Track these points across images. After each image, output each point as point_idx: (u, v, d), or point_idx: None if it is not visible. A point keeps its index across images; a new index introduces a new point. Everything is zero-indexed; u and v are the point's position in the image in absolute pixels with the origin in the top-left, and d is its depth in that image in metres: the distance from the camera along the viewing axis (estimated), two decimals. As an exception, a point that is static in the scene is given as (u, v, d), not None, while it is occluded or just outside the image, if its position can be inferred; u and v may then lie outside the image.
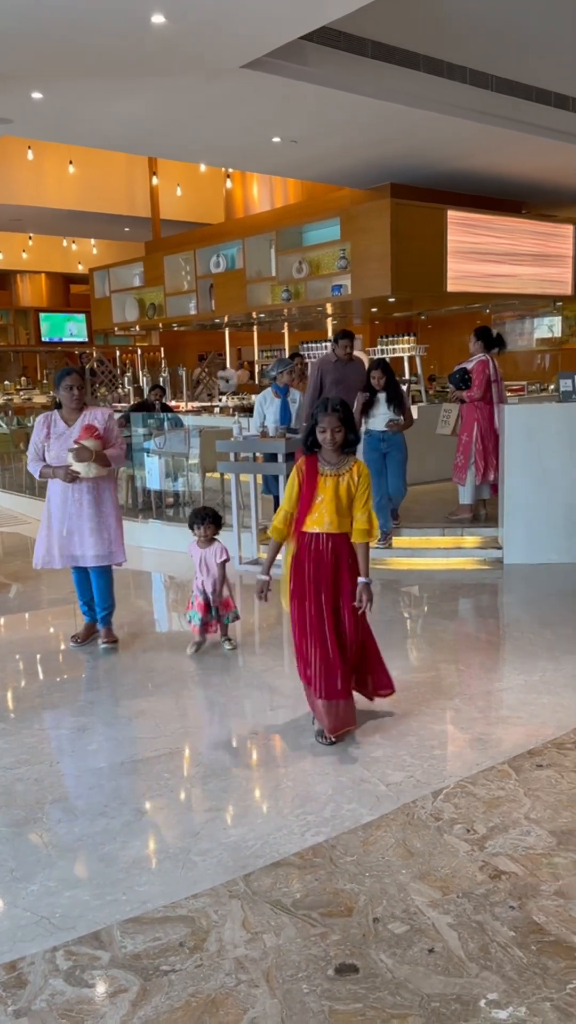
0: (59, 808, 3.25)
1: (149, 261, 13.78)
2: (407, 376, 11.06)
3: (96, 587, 5.11)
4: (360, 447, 5.95)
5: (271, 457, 6.91)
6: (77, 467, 4.76)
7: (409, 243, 9.72)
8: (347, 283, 10.40)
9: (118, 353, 20.20)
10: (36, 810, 3.23)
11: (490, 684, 4.47)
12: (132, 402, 12.21)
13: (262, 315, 12.67)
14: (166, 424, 8.73)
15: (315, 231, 10.99)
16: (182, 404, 12.66)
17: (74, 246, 19.87)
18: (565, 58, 8.25)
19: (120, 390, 14.36)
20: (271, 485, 7.43)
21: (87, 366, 14.48)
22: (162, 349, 19.66)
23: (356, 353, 7.81)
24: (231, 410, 11.71)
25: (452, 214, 10.14)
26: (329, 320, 13.59)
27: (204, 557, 5.02)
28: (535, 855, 2.83)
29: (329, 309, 12.10)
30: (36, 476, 4.98)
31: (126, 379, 14.40)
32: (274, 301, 11.56)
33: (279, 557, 3.83)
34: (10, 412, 14.65)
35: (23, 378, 20.97)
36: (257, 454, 7.02)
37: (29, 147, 12.55)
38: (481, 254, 10.49)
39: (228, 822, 3.11)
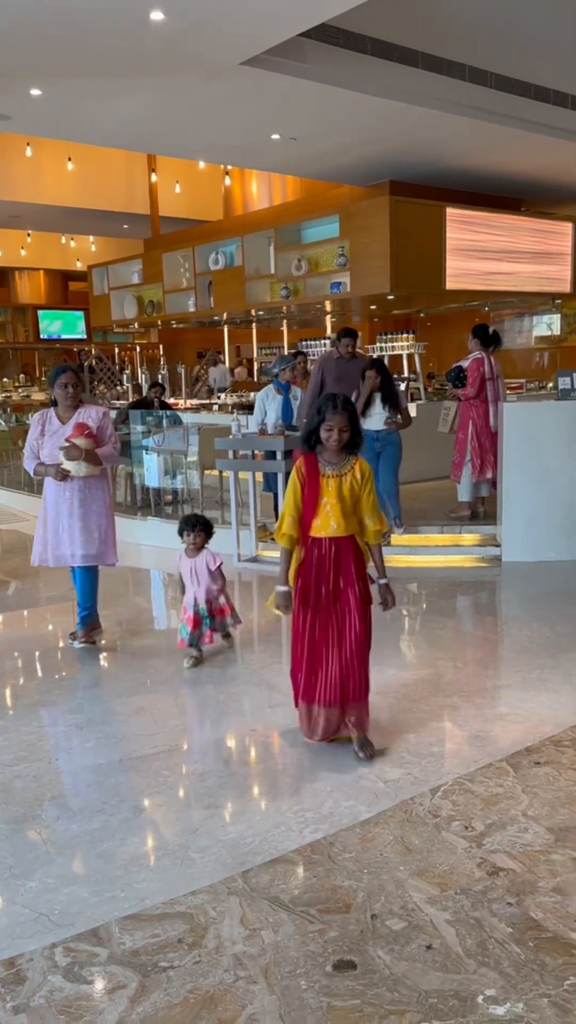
0: (58, 805, 3.26)
1: (148, 258, 13.78)
2: (406, 373, 11.06)
3: (79, 585, 5.05)
4: None
5: (270, 454, 6.91)
6: (67, 465, 4.75)
7: (408, 240, 9.72)
8: (346, 280, 10.40)
9: (117, 350, 20.20)
10: (35, 807, 3.24)
11: (488, 682, 4.48)
12: (131, 399, 12.20)
13: (261, 312, 12.67)
14: (165, 421, 8.73)
15: (314, 228, 10.99)
16: (181, 401, 12.66)
17: (73, 243, 19.86)
18: (564, 55, 8.24)
19: (119, 387, 14.36)
20: (271, 482, 7.43)
21: (86, 363, 14.48)
22: (161, 346, 19.67)
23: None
24: (230, 407, 11.71)
25: (451, 211, 10.14)
26: (328, 318, 13.60)
27: (195, 567, 4.79)
28: (533, 852, 2.83)
29: (328, 306, 12.11)
30: (31, 473, 4.98)
31: (125, 376, 14.40)
32: (273, 298, 11.56)
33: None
34: (8, 409, 14.64)
35: (22, 375, 20.97)
36: (256, 451, 7.02)
37: (28, 144, 12.53)
38: (480, 251, 10.49)
39: (227, 819, 3.11)
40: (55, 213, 14.57)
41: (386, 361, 11.15)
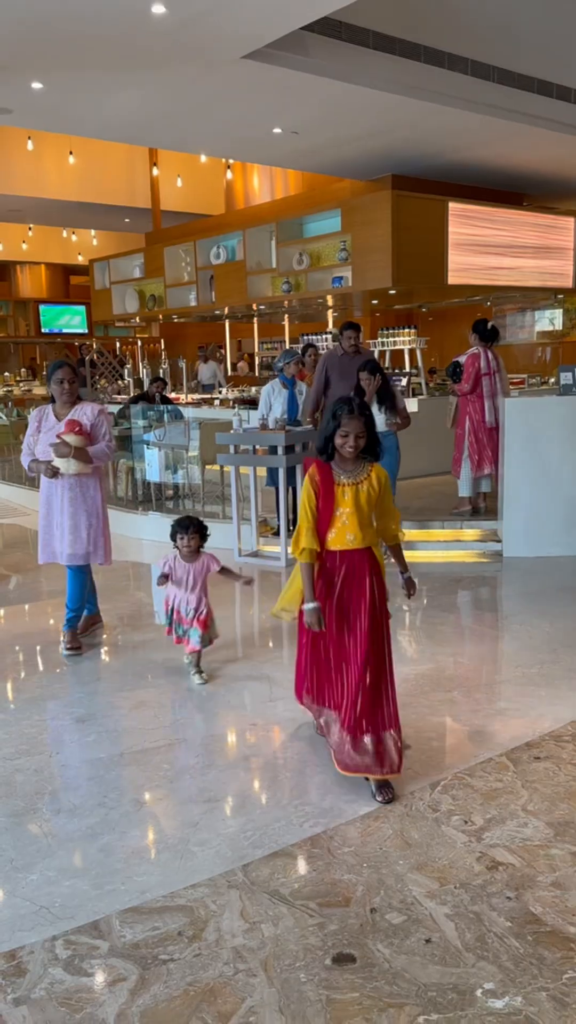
0: (58, 799, 3.27)
1: (149, 252, 13.75)
2: (408, 368, 11.04)
3: (68, 585, 4.95)
4: None
5: (271, 449, 6.90)
6: (57, 462, 4.70)
7: (410, 235, 9.70)
8: (348, 275, 10.38)
9: (118, 345, 20.19)
10: (36, 800, 3.25)
11: (488, 676, 4.48)
12: (132, 394, 12.20)
13: (262, 307, 12.65)
14: (166, 416, 8.73)
15: (316, 222, 10.97)
16: (182, 396, 12.65)
17: (74, 237, 19.84)
18: (567, 49, 8.21)
19: (120, 382, 14.35)
20: (274, 477, 7.40)
21: (87, 358, 14.47)
22: (162, 341, 19.65)
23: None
24: (231, 402, 11.70)
25: (453, 206, 10.11)
26: (330, 312, 13.58)
27: (193, 572, 4.45)
28: (532, 846, 2.84)
29: (330, 301, 12.08)
30: (27, 470, 4.96)
31: (126, 371, 14.40)
32: (274, 293, 11.54)
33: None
34: (10, 404, 14.64)
35: (24, 369, 20.96)
36: (257, 446, 7.01)
37: (29, 137, 12.51)
38: (482, 246, 10.47)
39: (227, 813, 3.12)
40: (56, 207, 14.55)
41: (387, 356, 11.17)
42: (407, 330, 10.98)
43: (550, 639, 4.92)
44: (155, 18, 5.99)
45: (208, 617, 4.48)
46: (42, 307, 21.37)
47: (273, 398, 7.40)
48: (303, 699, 3.65)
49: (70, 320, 21.65)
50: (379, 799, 3.15)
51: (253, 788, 3.34)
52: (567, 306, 15.12)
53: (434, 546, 7.03)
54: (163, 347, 18.74)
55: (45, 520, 4.93)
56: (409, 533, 7.14)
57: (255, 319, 15.20)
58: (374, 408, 6.73)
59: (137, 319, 15.18)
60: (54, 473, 4.73)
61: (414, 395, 10.05)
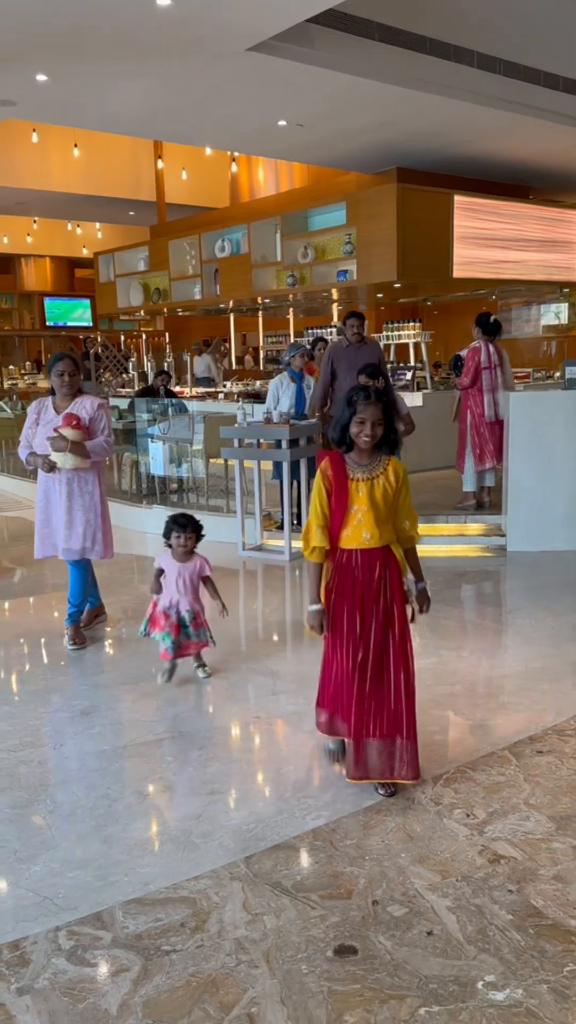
0: (62, 790, 3.28)
1: (154, 245, 13.74)
2: (412, 363, 11.03)
3: (70, 580, 4.94)
4: None
5: (276, 443, 6.89)
6: (54, 457, 4.63)
7: (415, 228, 9.68)
8: (353, 268, 10.36)
9: (123, 338, 20.19)
10: (39, 792, 3.26)
11: (491, 670, 4.49)
12: (137, 387, 12.19)
13: (267, 300, 12.64)
14: (170, 410, 8.73)
15: (321, 216, 10.95)
16: (187, 390, 12.65)
17: (79, 230, 19.82)
18: (574, 42, 8.18)
19: (125, 375, 14.35)
20: (279, 470, 7.39)
21: (91, 351, 14.46)
22: (167, 334, 19.65)
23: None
24: (236, 396, 11.69)
25: (459, 199, 10.09)
26: (335, 305, 13.56)
27: (184, 574, 4.27)
28: (534, 840, 2.85)
29: (335, 294, 12.07)
30: (24, 463, 4.88)
31: (130, 364, 14.39)
32: (279, 286, 11.53)
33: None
34: (14, 396, 14.65)
35: (28, 363, 20.96)
36: (261, 440, 7.00)
37: (34, 130, 12.49)
38: (488, 240, 10.44)
39: (230, 805, 3.13)
40: (61, 200, 14.54)
41: (392, 350, 11.15)
42: (412, 324, 10.98)
43: (553, 633, 4.92)
44: (160, 10, 5.98)
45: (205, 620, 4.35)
46: (47, 300, 21.37)
47: (281, 392, 7.36)
48: (320, 716, 3.39)
49: (83, 314, 21.63)
50: (381, 792, 3.15)
51: (256, 781, 3.35)
52: (573, 300, 15.07)
53: (438, 540, 7.02)
54: (167, 341, 18.74)
55: (43, 514, 4.89)
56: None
57: (260, 313, 15.19)
58: None
59: (142, 312, 15.18)
60: (51, 467, 4.67)
61: (418, 389, 10.04)
